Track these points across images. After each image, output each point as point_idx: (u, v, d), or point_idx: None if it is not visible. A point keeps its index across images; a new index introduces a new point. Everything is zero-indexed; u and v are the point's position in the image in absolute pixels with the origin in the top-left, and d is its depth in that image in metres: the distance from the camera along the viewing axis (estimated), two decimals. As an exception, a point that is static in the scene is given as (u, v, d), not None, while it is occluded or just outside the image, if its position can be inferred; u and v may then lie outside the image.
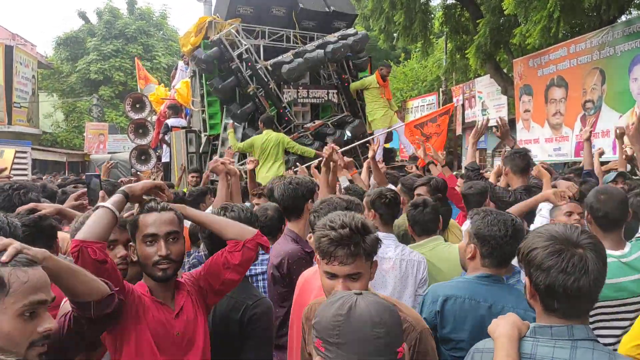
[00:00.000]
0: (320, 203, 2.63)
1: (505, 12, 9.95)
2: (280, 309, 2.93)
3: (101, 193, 3.48)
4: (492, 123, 15.46)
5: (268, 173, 6.83)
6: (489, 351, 1.60)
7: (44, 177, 12.99)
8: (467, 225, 2.53)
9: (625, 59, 9.27)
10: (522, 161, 4.23)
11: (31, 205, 2.51)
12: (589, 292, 1.48)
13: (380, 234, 2.87)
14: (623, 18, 10.75)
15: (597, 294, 1.50)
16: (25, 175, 14.07)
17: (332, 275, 1.78)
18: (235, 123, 7.96)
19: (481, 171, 5.09)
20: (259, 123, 7.56)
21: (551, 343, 1.50)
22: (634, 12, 11.30)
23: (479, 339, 1.92)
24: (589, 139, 5.84)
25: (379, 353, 1.22)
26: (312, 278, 2.44)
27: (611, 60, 9.63)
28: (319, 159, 5.22)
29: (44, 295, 1.43)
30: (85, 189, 3.50)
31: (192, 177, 7.27)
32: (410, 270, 2.90)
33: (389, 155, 9.89)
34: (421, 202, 3.31)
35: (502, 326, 1.59)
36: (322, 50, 8.53)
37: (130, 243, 2.09)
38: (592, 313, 2.43)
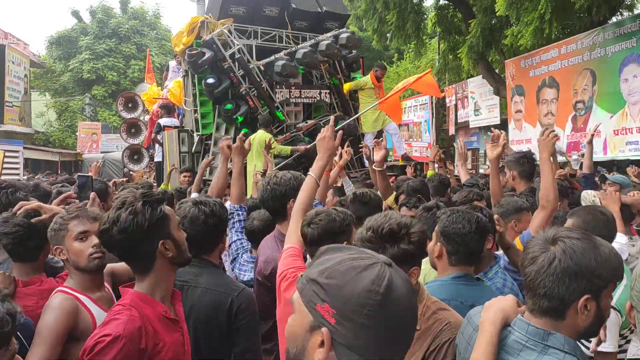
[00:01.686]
0: (315, 215, 2.37)
1: (497, 14, 9.99)
2: (263, 324, 2.74)
3: (92, 195, 3.47)
4: (482, 124, 15.55)
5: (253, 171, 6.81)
6: (477, 329, 1.62)
7: (36, 177, 12.93)
8: None
9: (615, 60, 9.35)
10: (530, 166, 4.20)
11: (35, 205, 2.52)
12: (532, 283, 1.48)
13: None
14: (614, 19, 10.82)
15: (541, 289, 1.45)
16: (17, 175, 14.00)
17: None
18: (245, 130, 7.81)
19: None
20: (259, 126, 7.64)
21: (523, 339, 1.50)
22: (625, 14, 11.37)
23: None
24: (590, 142, 5.80)
25: (409, 342, 1.07)
26: None
27: (602, 61, 9.70)
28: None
29: None
30: (72, 192, 3.49)
31: (184, 176, 7.25)
32: None
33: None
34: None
35: (491, 310, 1.60)
36: (314, 49, 8.55)
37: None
38: None
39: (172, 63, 12.08)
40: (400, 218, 1.82)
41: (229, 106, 8.21)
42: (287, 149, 7.69)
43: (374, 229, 1.75)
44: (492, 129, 4.87)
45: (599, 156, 8.48)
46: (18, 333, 1.88)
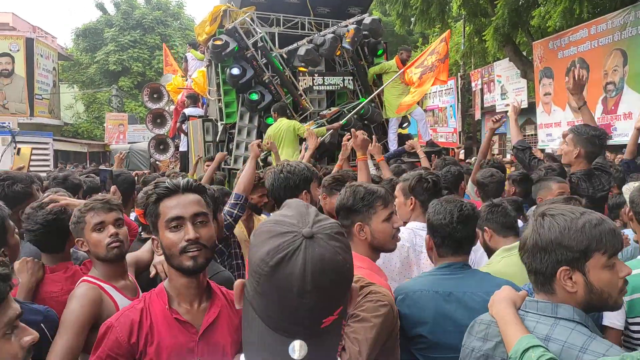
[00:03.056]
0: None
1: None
2: None
3: (112, 189, 3.55)
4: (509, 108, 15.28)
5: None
6: (492, 324, 1.65)
7: (66, 167, 13.20)
8: None
9: (648, 39, 9.06)
10: (598, 148, 3.73)
11: (63, 203, 2.57)
12: (523, 260, 1.61)
13: (418, 224, 2.86)
14: (646, -3, 10.46)
15: (528, 267, 1.59)
16: (48, 166, 14.32)
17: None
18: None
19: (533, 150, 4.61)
20: (272, 113, 7.56)
21: (535, 318, 1.56)
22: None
23: (441, 329, 2.04)
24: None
25: (296, 321, 0.99)
26: None
27: (633, 40, 9.41)
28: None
29: None
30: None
31: (208, 165, 7.30)
32: (413, 259, 2.78)
33: (406, 141, 9.81)
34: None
35: (499, 301, 1.64)
36: (336, 36, 8.47)
37: (152, 237, 1.86)
38: None
39: (189, 54, 12.15)
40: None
41: (254, 96, 8.22)
42: (322, 129, 7.66)
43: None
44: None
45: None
46: (42, 325, 1.92)
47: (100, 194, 3.64)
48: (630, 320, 2.29)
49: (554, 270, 1.52)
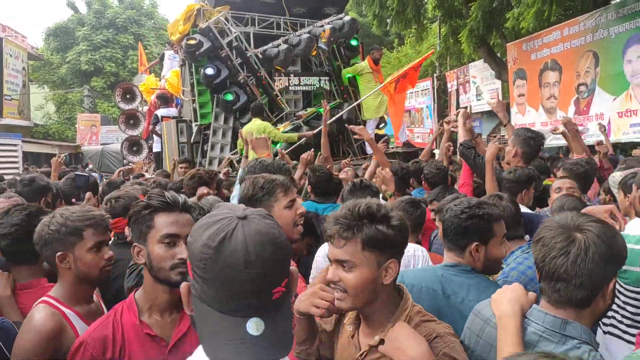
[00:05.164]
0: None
1: (499, -5, 9.85)
2: None
3: (88, 195, 3.41)
4: (484, 108, 15.44)
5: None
6: (491, 323, 1.61)
7: (31, 170, 12.81)
8: None
9: (619, 41, 9.21)
10: (534, 150, 3.99)
11: None
12: (566, 274, 1.44)
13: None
14: (616, 0, 10.65)
15: (578, 279, 1.43)
16: (17, 168, 13.94)
17: (330, 260, 1.64)
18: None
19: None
20: (250, 112, 7.48)
21: (539, 330, 1.50)
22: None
23: None
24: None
25: (248, 295, 1.04)
26: None
27: (605, 42, 9.56)
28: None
29: None
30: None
31: (182, 167, 7.16)
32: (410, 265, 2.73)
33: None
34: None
35: (505, 303, 1.56)
36: (312, 36, 8.41)
37: (135, 244, 1.83)
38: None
39: (168, 52, 11.95)
40: (380, 202, 1.68)
41: (229, 97, 8.10)
42: (294, 135, 7.57)
43: (350, 207, 1.62)
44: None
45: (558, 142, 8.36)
46: None
47: (77, 200, 3.52)
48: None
49: (608, 282, 1.48)
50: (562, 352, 1.39)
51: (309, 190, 4.17)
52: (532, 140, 3.94)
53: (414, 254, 2.75)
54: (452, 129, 5.20)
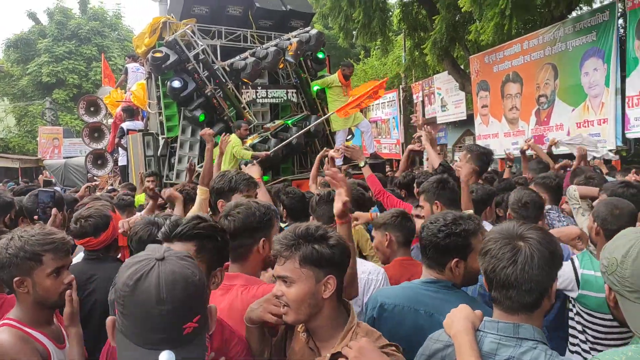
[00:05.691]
0: (235, 207, 2.29)
1: (462, 9, 10.07)
2: None
3: (53, 211, 3.28)
4: (449, 119, 15.73)
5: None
6: (449, 344, 1.67)
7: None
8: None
9: (576, 54, 9.54)
10: (485, 164, 4.16)
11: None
12: (516, 281, 1.53)
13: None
14: (574, 14, 11.04)
15: (527, 285, 1.53)
16: (-25, 183, 13.49)
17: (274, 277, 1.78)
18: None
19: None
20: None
21: (496, 339, 1.57)
22: (585, 8, 11.62)
23: (415, 348, 1.90)
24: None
25: (160, 331, 1.17)
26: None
27: (563, 55, 9.89)
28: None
29: None
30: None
31: (149, 181, 7.06)
32: (365, 289, 2.71)
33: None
34: None
35: (457, 322, 1.64)
36: (279, 49, 8.44)
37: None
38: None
39: (130, 65, 11.80)
40: (322, 225, 1.80)
41: (202, 118, 8.10)
42: (248, 154, 7.52)
43: (292, 229, 1.76)
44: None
45: (562, 149, 8.63)
46: None
47: (40, 217, 3.41)
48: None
49: (551, 284, 1.58)
50: (520, 353, 1.52)
51: (283, 215, 4.14)
52: (484, 156, 4.12)
53: (368, 278, 2.74)
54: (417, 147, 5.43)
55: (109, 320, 1.25)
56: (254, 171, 3.69)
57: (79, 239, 2.85)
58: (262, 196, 3.40)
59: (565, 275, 2.72)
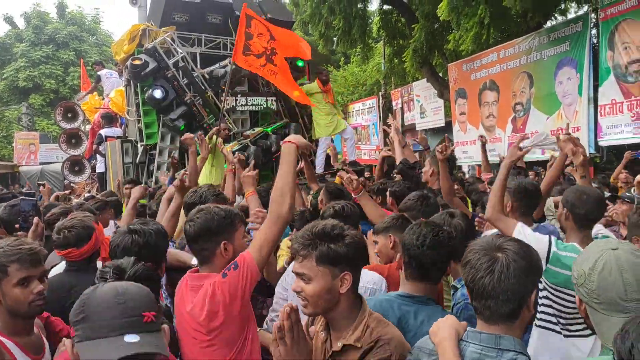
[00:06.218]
0: (196, 212, 2.37)
1: (441, 18, 10.22)
2: None
3: (35, 220, 3.22)
4: (428, 126, 15.90)
5: (201, 177, 6.62)
6: (432, 353, 1.70)
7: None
8: None
9: (550, 64, 9.73)
10: (450, 169, 4.38)
11: None
12: (493, 291, 1.57)
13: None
14: (549, 24, 11.27)
15: (504, 295, 1.56)
16: (-52, 190, 13.20)
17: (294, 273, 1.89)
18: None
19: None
20: None
21: (478, 349, 1.61)
22: (559, 18, 11.88)
23: None
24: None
25: (122, 315, 1.36)
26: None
27: (538, 64, 10.08)
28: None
29: None
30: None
31: (127, 188, 7.00)
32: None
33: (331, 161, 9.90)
34: None
35: (442, 329, 1.67)
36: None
37: None
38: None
39: (103, 72, 11.73)
40: (338, 223, 1.89)
41: (183, 127, 8.07)
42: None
43: (309, 227, 1.85)
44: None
45: (537, 156, 8.79)
46: None
47: (22, 227, 3.34)
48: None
49: (530, 293, 1.61)
50: None
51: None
52: (446, 162, 4.35)
53: (373, 288, 2.76)
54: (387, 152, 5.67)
55: (67, 343, 1.42)
56: (253, 201, 3.39)
57: (61, 249, 2.81)
58: (255, 205, 3.29)
59: (538, 248, 2.79)
